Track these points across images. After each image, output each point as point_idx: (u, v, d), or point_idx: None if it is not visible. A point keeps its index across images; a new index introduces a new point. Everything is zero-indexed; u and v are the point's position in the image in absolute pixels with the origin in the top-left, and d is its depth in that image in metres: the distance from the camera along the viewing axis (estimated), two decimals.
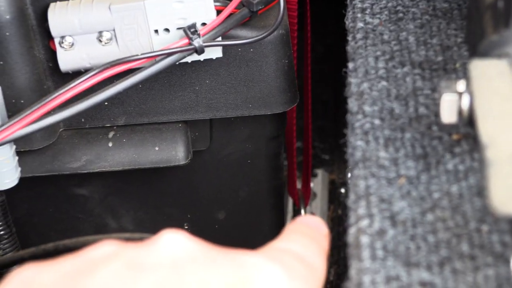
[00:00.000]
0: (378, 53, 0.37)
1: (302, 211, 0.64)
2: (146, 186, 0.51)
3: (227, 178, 0.51)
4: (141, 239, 0.30)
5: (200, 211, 0.53)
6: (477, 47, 0.31)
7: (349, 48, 0.38)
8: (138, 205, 0.51)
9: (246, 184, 0.51)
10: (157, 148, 0.45)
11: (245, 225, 0.55)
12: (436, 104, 0.29)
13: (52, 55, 0.40)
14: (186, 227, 0.52)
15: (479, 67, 0.28)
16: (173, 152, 0.45)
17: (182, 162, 0.45)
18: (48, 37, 0.39)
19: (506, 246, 0.26)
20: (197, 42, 0.37)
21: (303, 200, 0.65)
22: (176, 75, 0.43)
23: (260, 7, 0.39)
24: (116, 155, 0.45)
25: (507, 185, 0.22)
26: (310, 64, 0.58)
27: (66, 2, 0.38)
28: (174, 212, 0.53)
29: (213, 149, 0.49)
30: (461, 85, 0.28)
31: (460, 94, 0.28)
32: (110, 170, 0.45)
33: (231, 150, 0.49)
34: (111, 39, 0.38)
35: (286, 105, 0.45)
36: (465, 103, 0.28)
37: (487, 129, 0.25)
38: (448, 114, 0.28)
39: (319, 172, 0.74)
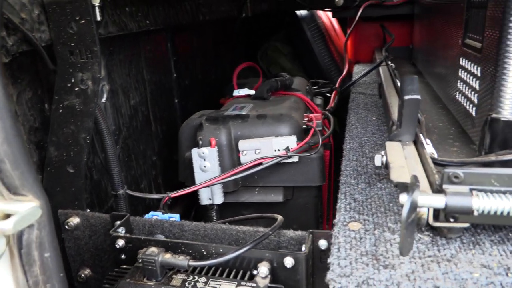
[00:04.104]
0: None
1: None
2: (270, 207, 1.12)
3: (299, 208, 1.12)
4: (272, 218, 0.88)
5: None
6: (389, 136, 0.94)
7: None
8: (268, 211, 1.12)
9: (306, 210, 1.13)
10: (272, 195, 1.08)
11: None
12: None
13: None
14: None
15: (389, 144, 0.91)
16: (277, 196, 1.08)
17: (281, 201, 1.08)
18: (237, 151, 1.05)
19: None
20: (288, 158, 1.02)
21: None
22: (280, 166, 1.07)
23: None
24: (258, 196, 1.08)
25: (398, 174, 0.83)
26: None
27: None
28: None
29: (294, 198, 1.11)
30: (383, 152, 0.90)
31: (382, 155, 0.90)
32: (257, 202, 1.08)
33: (300, 198, 1.11)
34: (260, 151, 1.04)
35: (322, 181, 1.09)
36: (384, 158, 0.90)
37: (392, 170, 0.87)
38: (377, 161, 0.90)
39: None
